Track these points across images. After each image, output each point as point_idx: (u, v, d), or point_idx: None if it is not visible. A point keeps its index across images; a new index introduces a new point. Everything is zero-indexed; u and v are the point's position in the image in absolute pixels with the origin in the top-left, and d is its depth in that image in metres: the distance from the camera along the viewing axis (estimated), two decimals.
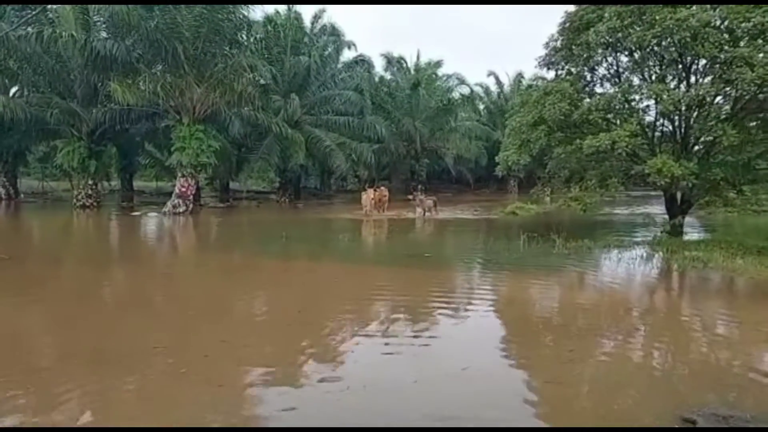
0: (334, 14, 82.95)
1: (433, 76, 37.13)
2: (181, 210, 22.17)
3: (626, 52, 13.38)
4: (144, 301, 8.31)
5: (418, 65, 38.61)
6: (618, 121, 13.83)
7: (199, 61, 21.38)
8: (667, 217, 16.01)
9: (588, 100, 14.23)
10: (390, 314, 7.58)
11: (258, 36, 23.48)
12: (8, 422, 4.05)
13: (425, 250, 13.69)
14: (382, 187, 24.35)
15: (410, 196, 24.27)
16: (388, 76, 37.28)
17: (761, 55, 10.98)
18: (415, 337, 6.30)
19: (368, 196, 22.42)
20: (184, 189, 22.49)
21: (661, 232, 15.65)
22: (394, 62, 36.33)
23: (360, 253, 14.69)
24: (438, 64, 38.35)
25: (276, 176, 35.41)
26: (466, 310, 7.96)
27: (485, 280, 10.46)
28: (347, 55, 33.85)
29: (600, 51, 13.47)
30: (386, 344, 6.01)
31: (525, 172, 46.82)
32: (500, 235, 17.78)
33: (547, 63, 15.88)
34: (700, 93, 11.53)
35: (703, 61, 12.37)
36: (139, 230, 19.38)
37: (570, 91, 13.86)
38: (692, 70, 12.71)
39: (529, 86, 39.34)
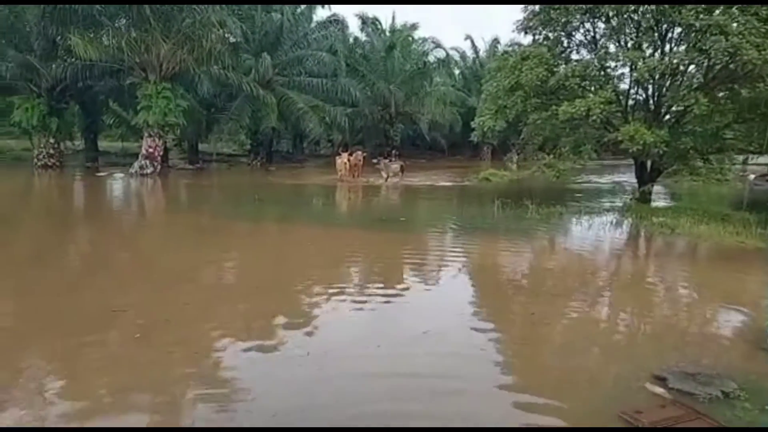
0: None
1: (409, 39, 36.33)
2: (148, 171, 21.55)
3: (603, 18, 13.26)
4: (107, 264, 8.05)
5: (393, 27, 37.73)
6: (593, 88, 13.85)
7: (165, 15, 20.41)
8: (636, 184, 16.31)
9: (564, 66, 14.17)
10: (360, 278, 7.57)
11: None
12: None
13: (400, 215, 13.67)
14: (358, 152, 24.02)
15: (374, 161, 23.97)
16: (362, 37, 36.36)
17: (735, 24, 11.01)
18: (385, 302, 6.28)
19: (342, 160, 22.09)
20: (151, 150, 21.81)
21: (631, 199, 15.96)
22: (368, 23, 35.35)
23: (333, 216, 14.58)
24: (414, 26, 37.48)
25: (247, 139, 34.71)
26: (438, 273, 8.00)
27: (458, 244, 10.49)
28: (321, 14, 32.91)
29: (578, 16, 13.33)
30: (355, 308, 5.98)
31: (498, 138, 47.55)
32: (474, 201, 17.91)
33: (524, 27, 15.65)
34: (675, 61, 11.56)
35: (678, 30, 12.37)
36: (104, 191, 18.81)
37: (547, 56, 13.78)
38: (667, 38, 12.72)
39: (505, 52, 39.05)
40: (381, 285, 7.01)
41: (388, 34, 37.11)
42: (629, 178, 23.98)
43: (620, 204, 15.67)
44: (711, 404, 3.70)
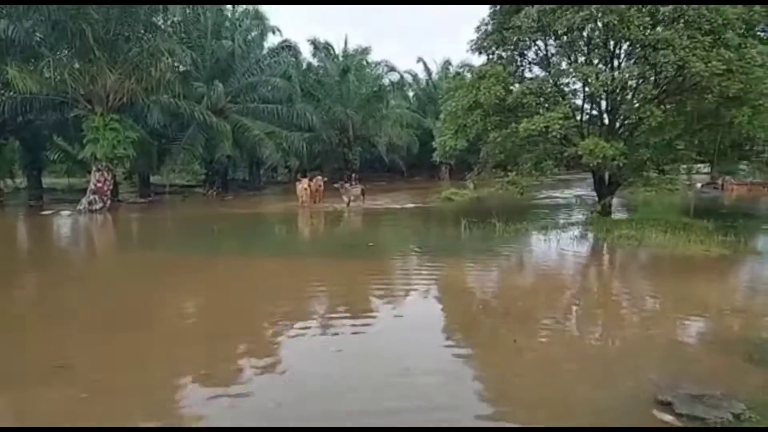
0: None
1: (363, 62, 36.50)
2: (97, 207, 20.49)
3: (553, 36, 13.49)
4: (52, 312, 7.31)
5: (346, 51, 37.88)
6: (547, 105, 14.01)
7: (110, 44, 19.68)
8: (596, 197, 16.55)
9: (520, 84, 14.34)
10: (331, 310, 7.16)
11: (175, 19, 21.88)
12: None
13: (367, 240, 13.32)
14: (318, 177, 23.63)
15: (336, 185, 23.69)
16: (315, 62, 36.29)
17: (681, 39, 11.34)
18: (355, 333, 5.96)
19: (303, 186, 21.66)
20: (100, 184, 20.79)
21: (592, 213, 16.15)
22: (321, 48, 35.34)
23: (297, 245, 14.09)
24: (366, 50, 37.64)
25: (201, 168, 33.82)
26: (411, 300, 7.69)
27: (429, 268, 10.18)
28: (272, 40, 32.65)
29: (531, 35, 13.52)
30: (327, 343, 5.61)
31: (456, 158, 48.17)
32: (440, 221, 17.77)
33: (478, 47, 15.84)
34: (626, 75, 11.81)
35: (626, 45, 12.69)
36: (51, 230, 17.67)
37: (504, 74, 13.89)
38: (616, 53, 13.03)
39: (457, 73, 39.75)
40: (353, 316, 6.63)
41: (341, 58, 37.24)
42: (587, 192, 24.57)
43: (582, 218, 15.85)
44: (723, 428, 3.49)
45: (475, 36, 16.09)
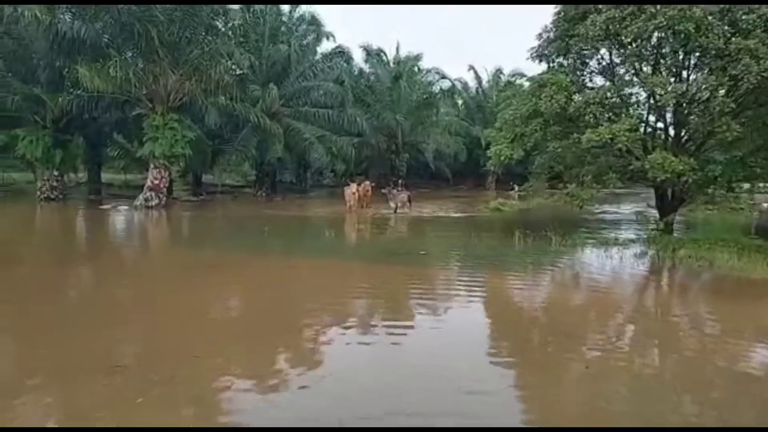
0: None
1: (414, 69, 36.44)
2: (153, 203, 21.09)
3: (621, 45, 12.94)
4: (111, 307, 7.42)
5: (397, 58, 37.92)
6: (609, 116, 13.45)
7: (173, 46, 20.28)
8: (655, 214, 15.81)
9: (579, 94, 13.86)
10: (380, 318, 6.99)
11: (235, 22, 22.38)
12: None
13: (418, 248, 13.10)
14: (366, 182, 23.62)
15: (384, 190, 23.59)
16: (366, 68, 36.48)
17: (764, 48, 10.67)
18: (394, 343, 5.78)
19: (351, 190, 21.66)
20: (156, 181, 21.40)
21: (653, 230, 15.38)
22: (373, 54, 35.50)
23: (348, 250, 14.00)
24: (417, 57, 37.58)
25: (252, 169, 34.41)
26: (466, 312, 7.42)
27: (485, 279, 9.87)
28: (326, 46, 33.00)
29: (596, 43, 13.04)
30: (370, 351, 5.47)
31: (503, 168, 47.34)
32: (491, 231, 17.36)
33: (539, 54, 15.46)
34: (703, 86, 11.18)
35: (697, 54, 12.04)
36: (109, 225, 18.27)
37: (566, 83, 13.45)
38: (688, 63, 12.38)
39: (508, 82, 39.13)
40: (404, 327, 6.46)
41: (392, 65, 37.30)
42: (641, 207, 23.59)
43: (644, 235, 15.11)
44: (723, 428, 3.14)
45: (536, 43, 15.75)
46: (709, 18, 11.21)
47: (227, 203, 27.01)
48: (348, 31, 60.91)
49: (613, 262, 11.18)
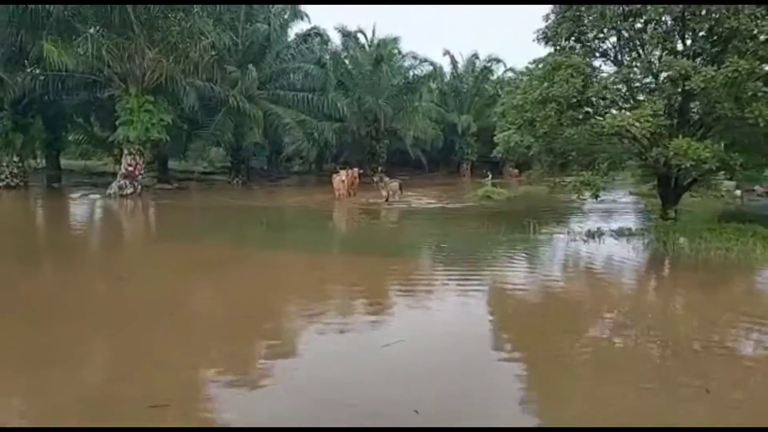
0: None
1: (394, 52, 35.36)
2: (128, 192, 19.62)
3: (641, 23, 12.44)
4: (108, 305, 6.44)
5: (373, 40, 36.75)
6: (629, 100, 13.03)
7: (149, 22, 18.72)
8: (660, 202, 15.55)
9: (595, 77, 13.37)
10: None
11: None
12: None
13: (434, 240, 12.38)
14: (355, 169, 22.69)
15: (375, 178, 22.77)
16: (344, 51, 35.16)
17: None
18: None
19: (340, 178, 20.74)
20: (131, 168, 19.90)
21: (657, 218, 15.10)
22: (352, 36, 34.26)
23: (361, 243, 12.99)
24: (396, 40, 36.48)
25: (227, 155, 32.85)
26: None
27: (523, 274, 9.28)
28: (300, 27, 31.52)
29: (617, 22, 12.52)
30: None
31: (477, 155, 47.04)
32: (499, 221, 16.66)
33: (548, 36, 14.89)
34: (736, 70, 10.78)
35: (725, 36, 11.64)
36: (84, 216, 16.80)
37: (583, 65, 12.91)
38: (716, 48, 11.97)
39: (485, 67, 38.59)
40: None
41: (367, 48, 36.15)
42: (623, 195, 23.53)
43: (652, 223, 14.79)
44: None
45: (543, 25, 15.16)
46: None
47: (204, 192, 25.58)
48: (318, 11, 58.85)
49: (633, 254, 10.77)
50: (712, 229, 12.84)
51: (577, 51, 13.99)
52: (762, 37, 10.69)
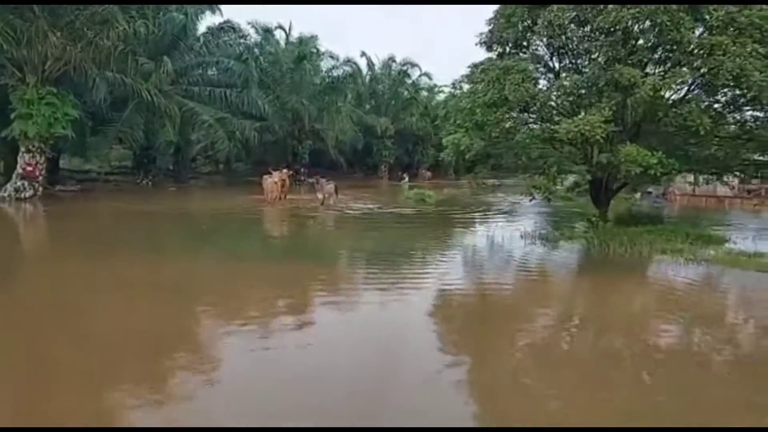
0: None
1: (313, 50, 34.30)
2: (27, 194, 17.18)
3: (593, 33, 12.76)
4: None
5: (289, 38, 35.51)
6: (580, 106, 13.29)
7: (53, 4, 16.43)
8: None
9: (545, 82, 13.61)
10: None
11: None
12: None
13: (401, 247, 11.88)
14: (284, 170, 21.57)
15: (310, 180, 21.91)
16: (261, 47, 33.55)
17: (734, 46, 11.05)
18: None
19: (273, 180, 19.59)
20: (30, 168, 17.43)
21: (593, 220, 15.54)
22: (271, 32, 32.76)
23: (327, 252, 12.14)
24: (315, 38, 35.46)
25: (134, 154, 30.04)
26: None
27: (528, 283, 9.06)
28: (211, 20, 29.47)
29: (569, 30, 12.76)
30: None
31: (394, 157, 47.33)
32: (453, 224, 16.52)
33: (490, 41, 14.99)
34: (679, 80, 11.35)
35: (669, 48, 12.24)
36: None
37: (530, 68, 13.05)
38: (662, 57, 12.55)
39: (401, 71, 38.72)
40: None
41: (284, 45, 34.87)
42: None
43: (587, 227, 15.23)
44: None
45: (486, 29, 15.22)
46: (680, 13, 11.38)
47: (113, 194, 23.09)
48: (231, 6, 55.39)
49: (584, 258, 11.01)
50: (650, 231, 13.55)
51: (522, 56, 14.15)
52: (700, 51, 11.29)
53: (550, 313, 7.26)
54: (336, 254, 11.91)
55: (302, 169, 31.68)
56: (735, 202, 26.22)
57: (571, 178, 16.97)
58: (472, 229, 15.26)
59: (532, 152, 13.89)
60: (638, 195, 28.86)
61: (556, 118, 13.07)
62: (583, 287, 9.31)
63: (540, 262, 10.91)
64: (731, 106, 12.43)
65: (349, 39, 72.70)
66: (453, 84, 16.05)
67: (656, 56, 12.52)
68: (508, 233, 14.10)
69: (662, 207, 24.89)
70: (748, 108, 12.20)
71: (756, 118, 12.56)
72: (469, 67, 15.95)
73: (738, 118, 12.72)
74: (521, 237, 13.02)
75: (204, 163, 41.67)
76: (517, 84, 12.62)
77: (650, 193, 31.30)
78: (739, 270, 9.71)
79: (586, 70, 12.87)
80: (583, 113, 12.53)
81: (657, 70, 12.61)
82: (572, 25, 12.59)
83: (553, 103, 13.03)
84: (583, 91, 13.00)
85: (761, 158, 14.40)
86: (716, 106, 12.34)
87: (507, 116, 13.13)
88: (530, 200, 14.86)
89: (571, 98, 12.52)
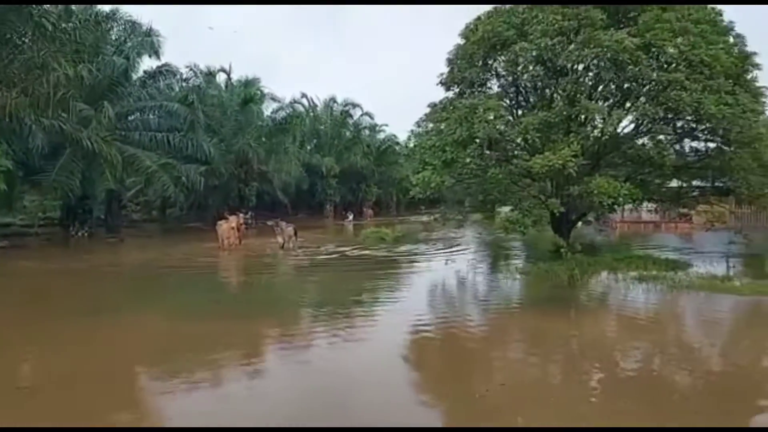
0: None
1: (257, 93, 33.78)
2: None
3: (555, 71, 13.26)
4: None
5: (230, 80, 34.97)
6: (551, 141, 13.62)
7: None
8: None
9: (513, 119, 13.94)
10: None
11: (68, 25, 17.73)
12: None
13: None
14: (240, 214, 20.68)
15: (269, 223, 21.16)
16: (204, 90, 32.72)
17: (687, 81, 11.77)
18: None
19: (230, 225, 18.71)
20: None
21: (562, 252, 15.83)
22: (213, 75, 32.18)
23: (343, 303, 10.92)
24: (257, 80, 35.01)
25: (65, 204, 27.91)
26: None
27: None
28: (148, 63, 28.23)
29: (530, 68, 13.20)
30: None
31: (339, 196, 47.34)
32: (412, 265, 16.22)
33: (450, 81, 15.36)
34: (642, 114, 11.90)
35: (629, 84, 12.89)
36: None
37: (498, 107, 13.37)
38: (624, 92, 13.18)
39: (343, 111, 39.04)
40: None
41: (224, 87, 34.29)
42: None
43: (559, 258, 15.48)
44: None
45: (446, 69, 15.61)
46: (638, 51, 12.04)
47: (47, 249, 21.23)
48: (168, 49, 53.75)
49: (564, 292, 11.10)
50: (618, 260, 13.97)
51: (489, 93, 14.51)
52: (658, 86, 11.96)
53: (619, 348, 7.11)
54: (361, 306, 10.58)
55: (249, 213, 30.70)
56: (670, 226, 27.84)
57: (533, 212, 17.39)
58: (451, 267, 14.71)
59: (502, 188, 14.07)
60: (579, 224, 29.89)
61: (521, 154, 13.38)
62: (600, 323, 9.11)
63: (543, 300, 10.54)
64: (688, 137, 13.17)
65: (282, 77, 72.67)
66: (417, 123, 16.18)
67: (617, 91, 13.13)
68: (484, 268, 14.08)
69: (608, 234, 25.86)
70: (703, 138, 12.95)
71: (708, 149, 13.42)
72: (429, 106, 16.25)
73: (695, 146, 13.48)
74: (501, 272, 13.01)
75: (134, 209, 39.66)
76: (486, 121, 12.84)
77: (590, 222, 32.46)
78: (723, 295, 10.06)
79: (553, 105, 13.27)
80: (551, 147, 12.87)
81: (616, 104, 13.21)
82: (533, 66, 13.02)
83: (520, 140, 13.29)
84: (549, 127, 13.41)
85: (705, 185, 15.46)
86: (670, 137, 13.00)
87: (478, 153, 13.29)
88: (506, 234, 14.99)
89: (539, 135, 12.81)
